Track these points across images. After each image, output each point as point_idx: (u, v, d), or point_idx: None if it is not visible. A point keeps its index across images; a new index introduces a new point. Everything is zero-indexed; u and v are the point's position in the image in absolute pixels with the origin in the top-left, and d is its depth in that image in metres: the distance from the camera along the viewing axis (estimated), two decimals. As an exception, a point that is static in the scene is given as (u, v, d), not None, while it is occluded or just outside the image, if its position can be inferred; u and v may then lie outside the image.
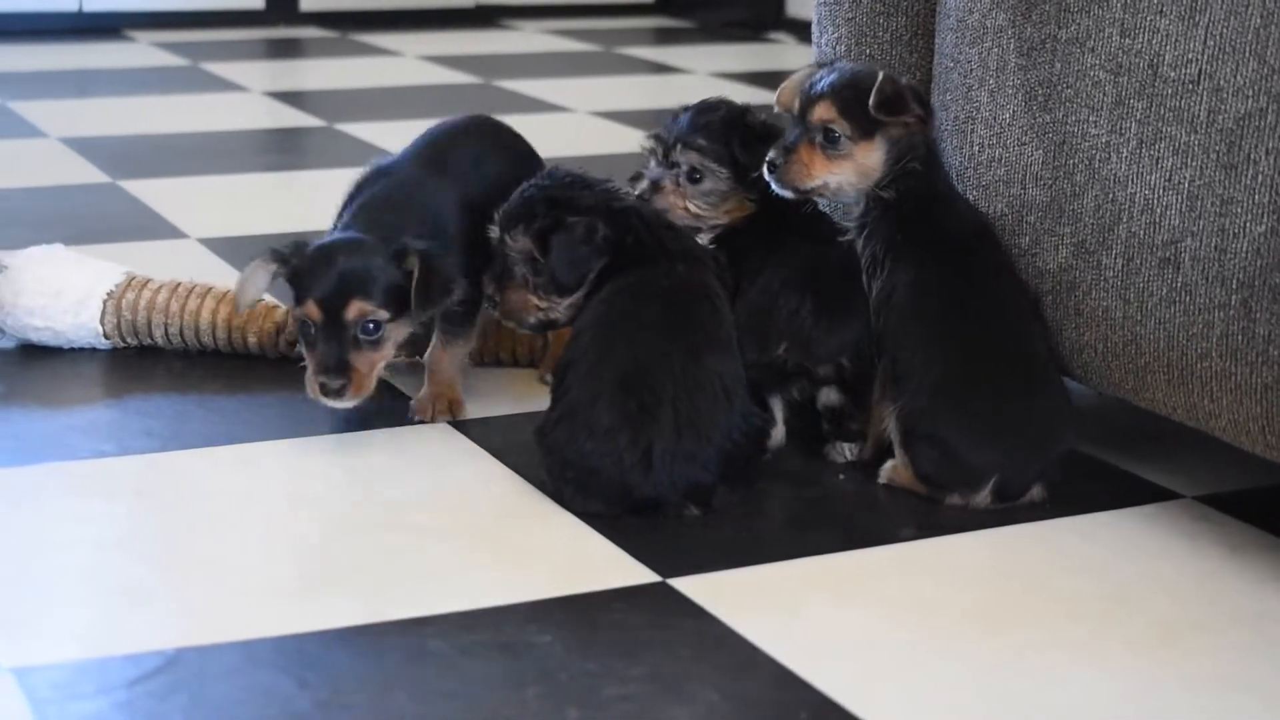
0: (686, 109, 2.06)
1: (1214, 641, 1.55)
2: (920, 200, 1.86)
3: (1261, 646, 1.55)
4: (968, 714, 1.42)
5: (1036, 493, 1.80)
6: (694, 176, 2.00)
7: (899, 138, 1.85)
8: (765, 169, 1.88)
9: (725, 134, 2.00)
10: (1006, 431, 1.79)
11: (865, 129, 1.85)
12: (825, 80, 1.87)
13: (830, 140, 1.86)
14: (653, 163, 2.04)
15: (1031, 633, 1.56)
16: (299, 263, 1.93)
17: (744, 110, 2.05)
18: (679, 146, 2.01)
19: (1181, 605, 1.62)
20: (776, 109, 1.96)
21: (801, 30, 5.46)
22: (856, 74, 1.88)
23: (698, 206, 1.99)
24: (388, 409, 2.09)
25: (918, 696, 1.44)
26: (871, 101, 1.83)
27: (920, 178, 1.86)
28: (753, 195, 1.97)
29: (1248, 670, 1.50)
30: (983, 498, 1.79)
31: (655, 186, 2.01)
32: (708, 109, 2.05)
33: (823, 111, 1.86)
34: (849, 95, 1.85)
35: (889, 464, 1.85)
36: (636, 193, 2.00)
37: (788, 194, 1.88)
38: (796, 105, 1.89)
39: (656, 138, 2.05)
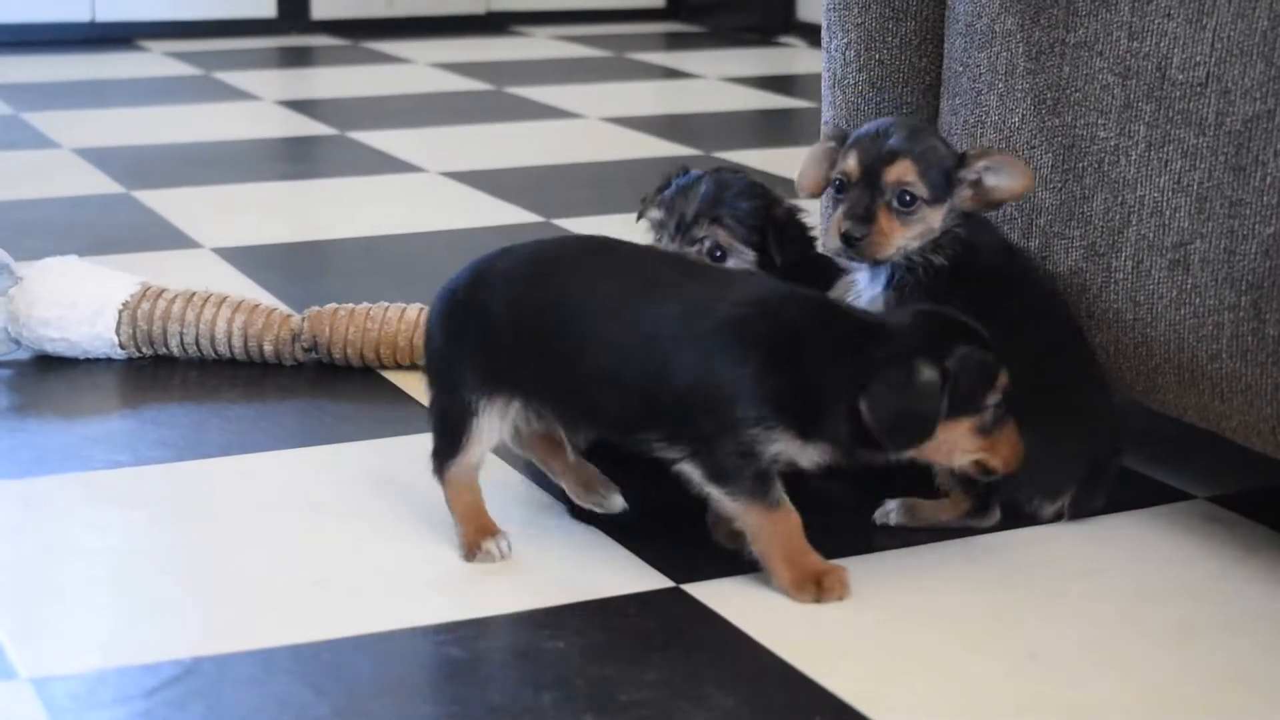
0: (686, 173, 1.88)
1: (1228, 642, 1.56)
2: (969, 263, 1.78)
3: (1275, 646, 1.55)
4: (981, 716, 1.42)
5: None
6: (716, 254, 1.83)
7: (961, 203, 1.78)
8: (841, 242, 1.74)
9: (757, 219, 1.84)
10: (1082, 443, 1.79)
11: (940, 192, 1.76)
12: (896, 137, 1.76)
13: (905, 205, 1.75)
14: (664, 237, 1.86)
15: (1044, 634, 1.56)
16: None
17: (771, 198, 1.87)
18: (703, 221, 1.84)
19: (1195, 606, 1.63)
20: (801, 195, 1.85)
21: (812, 34, 5.46)
22: (921, 132, 1.80)
23: None
24: (402, 417, 2.09)
25: (930, 699, 1.45)
26: (973, 162, 1.76)
27: (962, 242, 1.78)
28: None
29: (1263, 670, 1.51)
30: (1051, 510, 1.79)
31: None
32: (729, 184, 1.86)
33: (901, 172, 1.75)
34: (927, 154, 1.76)
35: (907, 504, 1.78)
36: None
37: (863, 265, 1.78)
38: (857, 164, 1.76)
39: (667, 208, 1.86)
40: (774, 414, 1.57)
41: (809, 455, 1.61)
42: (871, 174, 1.75)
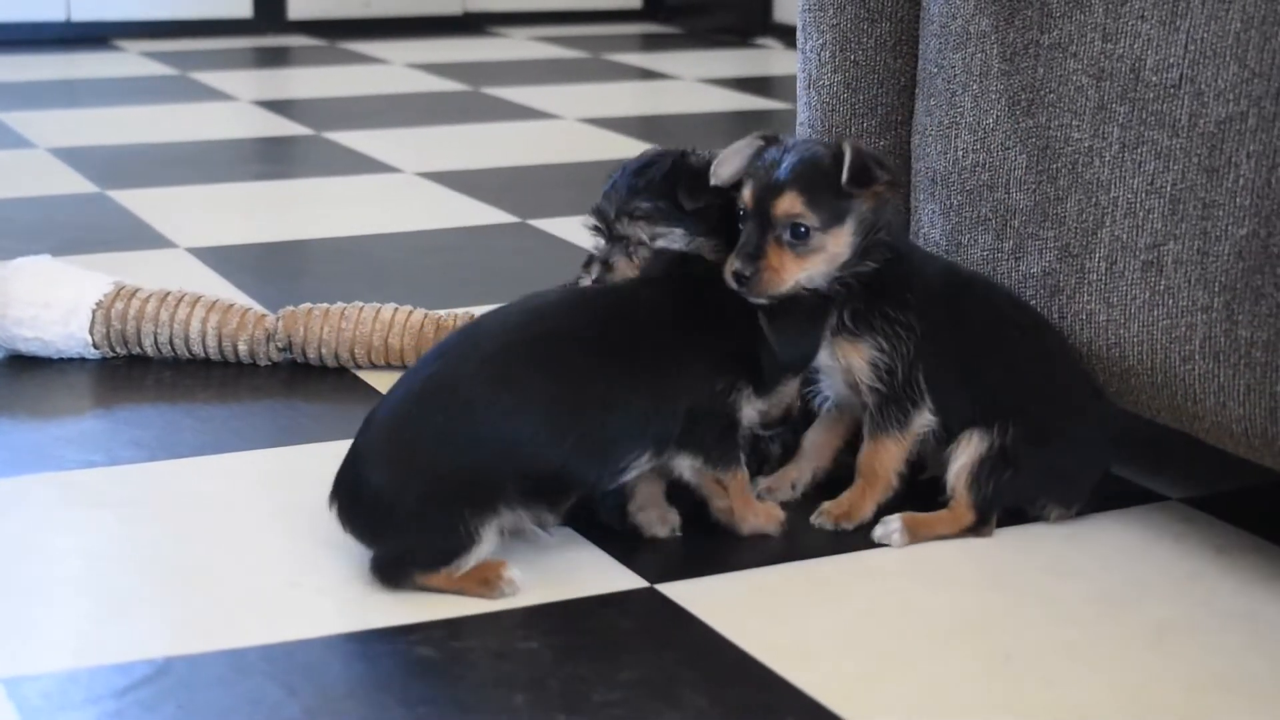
0: (622, 169, 1.85)
1: (1204, 642, 1.56)
2: (898, 272, 1.75)
3: (1251, 646, 1.55)
4: (956, 716, 1.42)
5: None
6: (649, 242, 1.80)
7: (866, 212, 1.71)
8: (732, 280, 1.69)
9: (667, 188, 1.79)
10: (1098, 451, 1.80)
11: (835, 215, 1.70)
12: (784, 165, 1.70)
13: (798, 236, 1.69)
14: (601, 240, 1.84)
15: (1020, 635, 1.56)
16: None
17: (682, 154, 1.83)
18: (623, 220, 1.80)
19: (1170, 606, 1.63)
20: (714, 181, 1.75)
21: (788, 36, 5.47)
22: (812, 152, 1.71)
23: None
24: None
25: (906, 699, 1.45)
26: (844, 176, 1.68)
27: (889, 247, 1.74)
28: (718, 241, 1.77)
29: (1238, 670, 1.51)
30: (1065, 514, 1.80)
31: (607, 266, 1.81)
32: (642, 168, 1.82)
33: (788, 205, 1.68)
34: (814, 180, 1.69)
35: (899, 520, 1.76)
36: (592, 278, 1.81)
37: (761, 303, 1.70)
38: (750, 196, 1.70)
39: (598, 213, 1.84)
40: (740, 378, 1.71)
41: (754, 410, 1.74)
42: (762, 207, 1.70)
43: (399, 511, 1.60)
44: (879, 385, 1.75)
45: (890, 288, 1.75)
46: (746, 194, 1.71)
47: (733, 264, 1.70)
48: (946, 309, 1.78)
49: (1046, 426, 1.77)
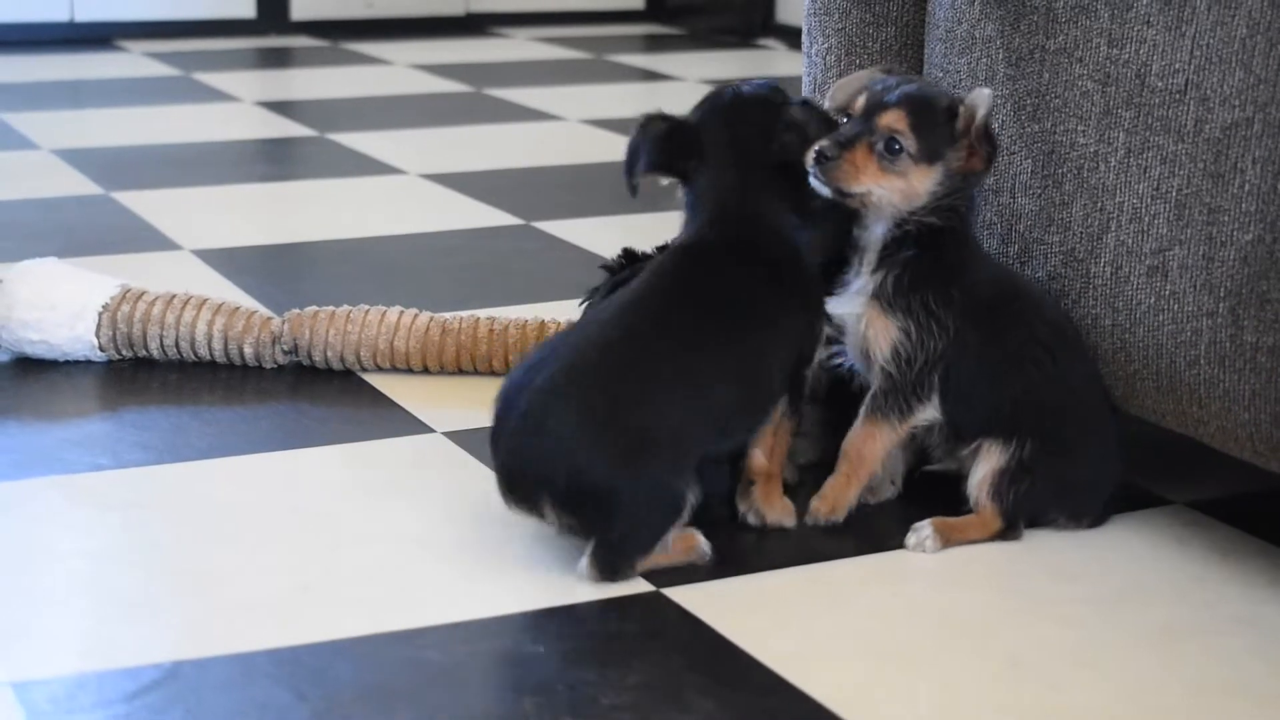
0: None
1: (1208, 646, 1.56)
2: (952, 260, 1.77)
3: (1255, 650, 1.56)
4: (961, 721, 1.43)
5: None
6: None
7: (955, 172, 1.75)
8: (811, 157, 1.72)
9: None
10: (1111, 464, 1.81)
11: (930, 152, 1.73)
12: (902, 90, 1.74)
13: (891, 151, 1.72)
14: None
15: (1025, 639, 1.57)
16: None
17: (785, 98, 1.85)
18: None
19: (1174, 610, 1.63)
20: (828, 104, 1.84)
21: (791, 37, 5.47)
22: (933, 94, 1.76)
23: None
24: (381, 420, 2.10)
25: (911, 704, 1.45)
26: (977, 119, 1.72)
27: (961, 219, 1.77)
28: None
29: (1242, 674, 1.51)
30: (1076, 526, 1.80)
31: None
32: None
33: (893, 120, 1.72)
34: (924, 113, 1.73)
35: (930, 526, 1.76)
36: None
37: (825, 192, 1.73)
38: (861, 104, 1.75)
39: None
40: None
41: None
42: (869, 115, 1.74)
43: (623, 491, 1.62)
44: (892, 369, 1.75)
45: (939, 273, 1.75)
46: (859, 102, 1.75)
47: (821, 143, 1.73)
48: (986, 317, 1.76)
49: (1064, 443, 1.77)
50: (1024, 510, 1.77)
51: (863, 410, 1.78)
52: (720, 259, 1.76)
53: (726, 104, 1.83)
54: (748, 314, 1.73)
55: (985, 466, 1.76)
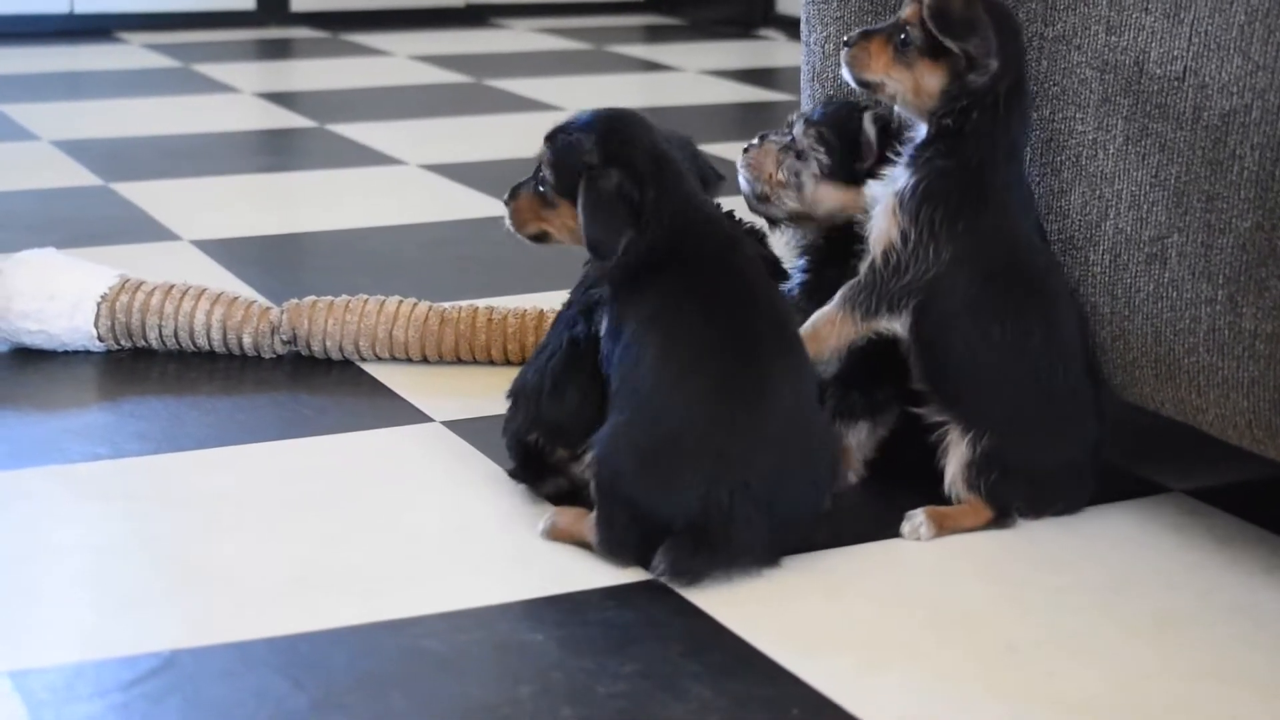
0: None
1: (1206, 633, 1.56)
2: (980, 165, 1.76)
3: (1253, 638, 1.56)
4: (959, 708, 1.43)
5: None
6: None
7: (963, 72, 1.74)
8: (842, 45, 1.81)
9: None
10: (1081, 454, 1.80)
11: (934, 46, 1.75)
12: None
13: (903, 43, 1.76)
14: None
15: (1022, 626, 1.57)
16: None
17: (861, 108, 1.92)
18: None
19: (1172, 598, 1.63)
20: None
21: (791, 27, 5.47)
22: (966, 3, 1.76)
23: None
24: (380, 409, 2.10)
25: (909, 691, 1.45)
26: (926, 7, 1.74)
27: (981, 138, 1.75)
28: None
29: (1240, 662, 1.51)
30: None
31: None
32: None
33: (909, 13, 1.76)
34: (941, 8, 1.74)
35: (923, 514, 1.76)
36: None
37: (849, 78, 1.80)
38: (907, 6, 1.79)
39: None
40: None
41: None
42: (901, 4, 1.79)
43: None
44: (879, 265, 1.76)
45: (956, 199, 1.75)
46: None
47: (850, 33, 1.80)
48: (984, 280, 1.75)
49: (1035, 430, 1.76)
50: (1002, 498, 1.76)
51: (838, 293, 1.79)
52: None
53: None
54: None
55: (954, 462, 1.76)
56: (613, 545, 1.66)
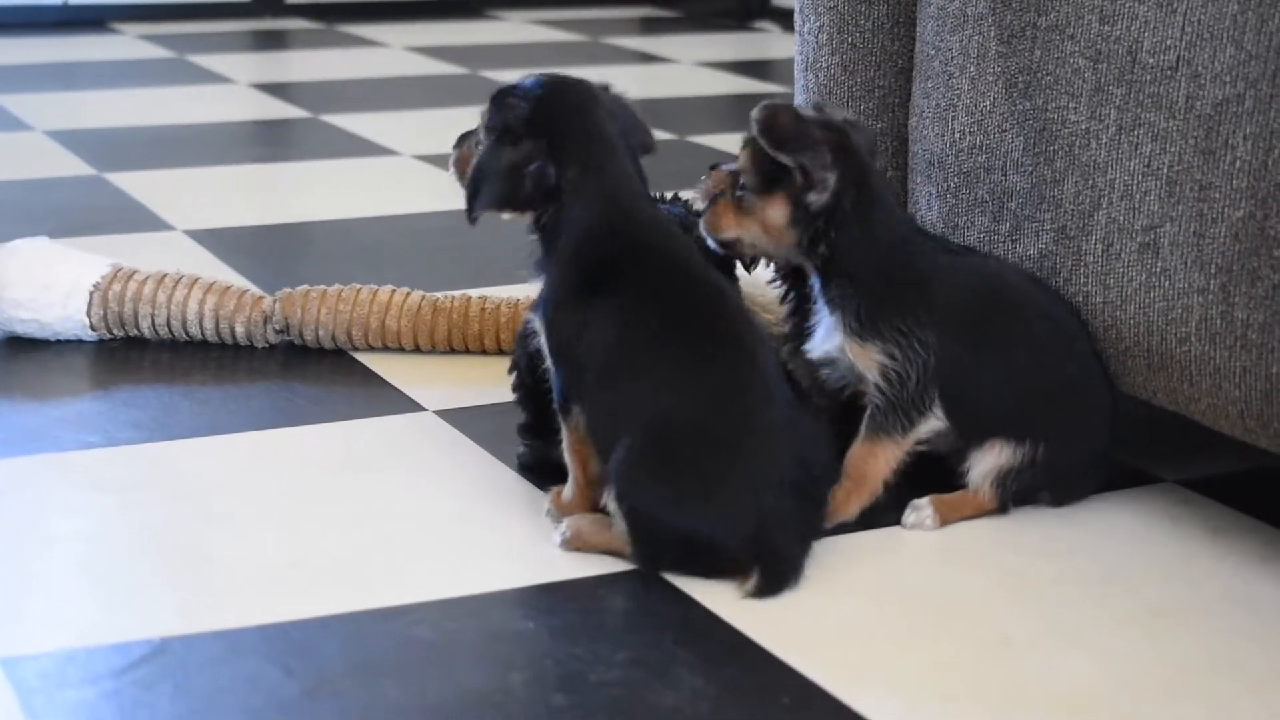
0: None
1: (1200, 624, 1.56)
2: (911, 279, 1.73)
3: (1247, 629, 1.55)
4: (952, 699, 1.43)
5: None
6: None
7: (802, 195, 1.69)
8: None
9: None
10: (1095, 446, 1.81)
11: (766, 180, 1.70)
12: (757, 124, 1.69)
13: (741, 190, 1.71)
14: None
15: (1015, 617, 1.57)
16: None
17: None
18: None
19: (1166, 588, 1.63)
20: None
21: (786, 19, 5.46)
22: (779, 113, 1.69)
23: None
24: (373, 398, 2.09)
25: (902, 681, 1.45)
26: (755, 127, 1.66)
27: (854, 244, 1.70)
28: None
29: (1233, 653, 1.51)
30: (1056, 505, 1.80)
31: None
32: None
33: (741, 159, 1.72)
34: (767, 122, 1.68)
35: (930, 504, 1.75)
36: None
37: (713, 246, 1.75)
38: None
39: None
40: None
41: None
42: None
43: None
44: (886, 389, 1.73)
45: (898, 297, 1.73)
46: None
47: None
48: (970, 326, 1.75)
49: (1065, 434, 1.77)
50: (1024, 498, 1.77)
51: (864, 427, 1.75)
52: None
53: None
54: None
55: (991, 461, 1.75)
56: (658, 568, 1.61)
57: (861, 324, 1.72)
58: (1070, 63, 1.77)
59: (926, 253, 1.77)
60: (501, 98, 1.74)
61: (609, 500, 1.60)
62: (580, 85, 1.76)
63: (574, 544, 1.66)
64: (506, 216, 1.73)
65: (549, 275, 1.69)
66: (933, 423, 1.75)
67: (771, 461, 1.59)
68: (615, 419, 1.62)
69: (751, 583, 1.57)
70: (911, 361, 1.72)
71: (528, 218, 1.71)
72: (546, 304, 1.69)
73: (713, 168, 1.86)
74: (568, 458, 1.70)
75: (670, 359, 1.61)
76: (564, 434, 1.69)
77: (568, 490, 1.71)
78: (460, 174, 1.78)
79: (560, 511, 1.70)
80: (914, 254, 1.75)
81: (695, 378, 1.61)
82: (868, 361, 1.73)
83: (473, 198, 1.71)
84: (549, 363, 1.69)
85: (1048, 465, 1.76)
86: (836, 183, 1.69)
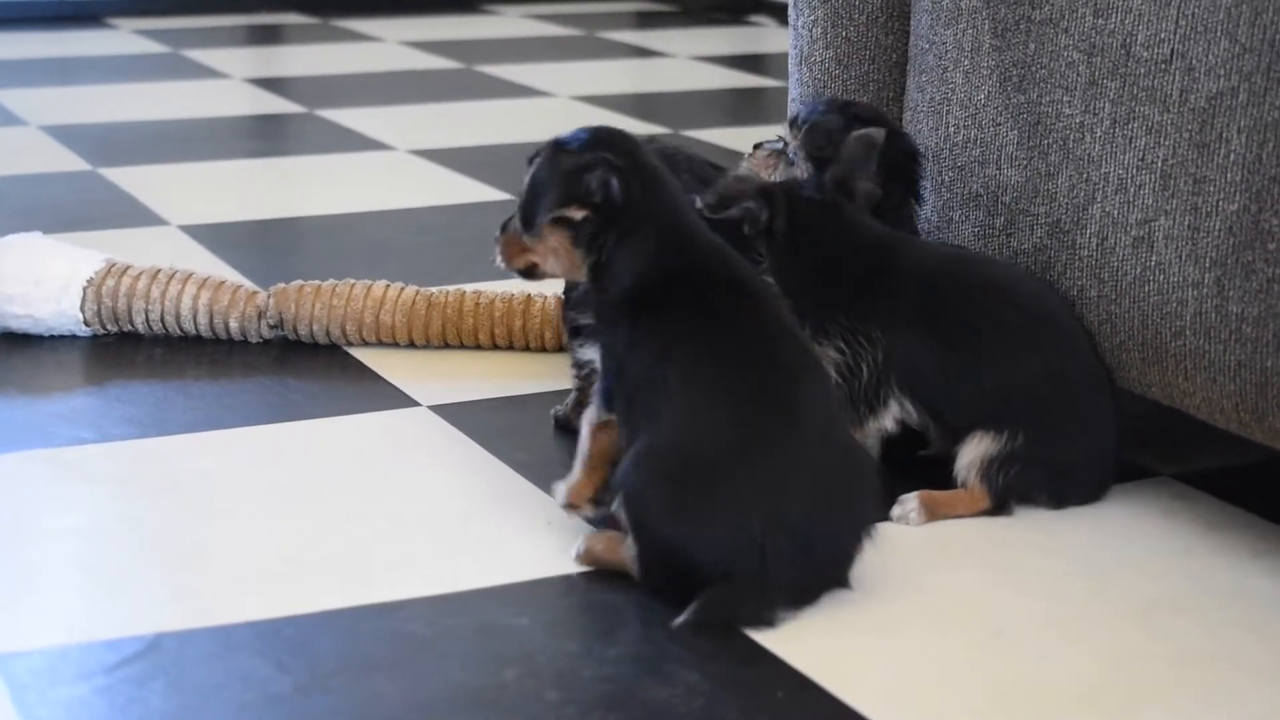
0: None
1: (1194, 618, 1.56)
2: (855, 277, 1.77)
3: (1241, 623, 1.55)
4: (947, 693, 1.43)
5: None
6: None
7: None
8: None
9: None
10: (1101, 445, 1.80)
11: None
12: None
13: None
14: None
15: (1011, 611, 1.56)
16: None
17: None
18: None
19: (1161, 583, 1.63)
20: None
21: (781, 13, 5.46)
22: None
23: None
24: (367, 393, 2.09)
25: (896, 676, 1.45)
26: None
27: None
28: None
29: (1229, 647, 1.51)
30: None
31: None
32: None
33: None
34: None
35: (917, 500, 1.75)
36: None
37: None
38: None
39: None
40: None
41: None
42: None
43: None
44: (842, 383, 1.76)
45: (848, 297, 1.76)
46: None
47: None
48: (933, 317, 1.76)
49: (1056, 428, 1.76)
50: (1014, 493, 1.76)
51: None
52: None
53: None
54: None
55: (975, 452, 1.75)
56: (654, 585, 1.56)
57: (810, 326, 1.74)
58: (1064, 56, 1.77)
59: (883, 249, 1.79)
60: (547, 144, 1.67)
61: (618, 509, 1.57)
62: (623, 131, 1.71)
63: (587, 559, 1.62)
64: (556, 269, 1.66)
65: (605, 304, 1.63)
66: (890, 416, 1.77)
67: (775, 494, 1.51)
68: (633, 424, 1.58)
69: (691, 617, 1.51)
70: (861, 356, 1.75)
71: (579, 256, 1.63)
72: (602, 325, 1.64)
73: (756, 146, 1.87)
74: (584, 433, 1.64)
75: (700, 380, 1.56)
76: (589, 414, 1.64)
77: (575, 472, 1.65)
78: (507, 259, 1.68)
79: (569, 494, 1.66)
80: (871, 251, 1.79)
81: (720, 402, 1.55)
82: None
83: (532, 205, 1.63)
84: (604, 380, 1.63)
85: (1041, 463, 1.75)
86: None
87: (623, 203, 1.61)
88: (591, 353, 1.69)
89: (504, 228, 1.68)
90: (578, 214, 1.61)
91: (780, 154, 1.88)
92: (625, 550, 1.57)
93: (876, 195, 1.84)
